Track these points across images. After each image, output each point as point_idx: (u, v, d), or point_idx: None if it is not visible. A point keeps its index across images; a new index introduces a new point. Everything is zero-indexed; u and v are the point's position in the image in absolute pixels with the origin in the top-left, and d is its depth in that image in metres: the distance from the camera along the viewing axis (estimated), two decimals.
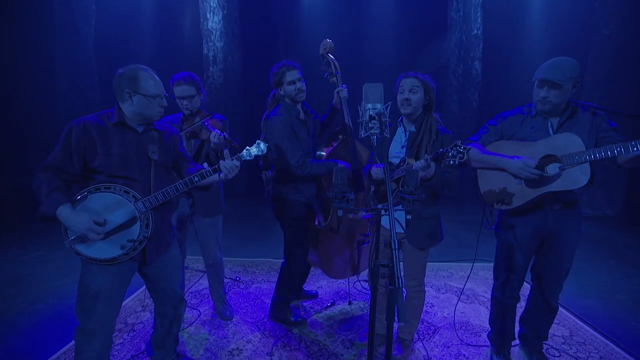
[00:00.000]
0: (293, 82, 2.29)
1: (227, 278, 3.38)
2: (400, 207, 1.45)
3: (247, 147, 1.87)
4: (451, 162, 1.64)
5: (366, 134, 1.33)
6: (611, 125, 1.83)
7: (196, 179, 1.76)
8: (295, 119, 2.35)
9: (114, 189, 1.62)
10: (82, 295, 1.70)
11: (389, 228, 2.13)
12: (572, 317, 2.78)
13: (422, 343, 2.46)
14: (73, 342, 1.77)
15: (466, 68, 7.02)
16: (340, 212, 1.37)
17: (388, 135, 1.34)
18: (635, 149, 1.61)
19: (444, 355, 2.34)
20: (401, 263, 2.27)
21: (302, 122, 2.39)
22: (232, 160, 1.77)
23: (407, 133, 2.12)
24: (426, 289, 3.21)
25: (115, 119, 1.69)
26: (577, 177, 1.76)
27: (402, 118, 2.16)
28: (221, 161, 1.77)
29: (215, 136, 2.21)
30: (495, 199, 1.99)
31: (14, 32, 4.78)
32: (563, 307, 2.90)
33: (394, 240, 1.02)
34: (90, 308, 1.68)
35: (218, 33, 7.06)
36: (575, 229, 1.96)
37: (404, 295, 2.30)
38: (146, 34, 6.72)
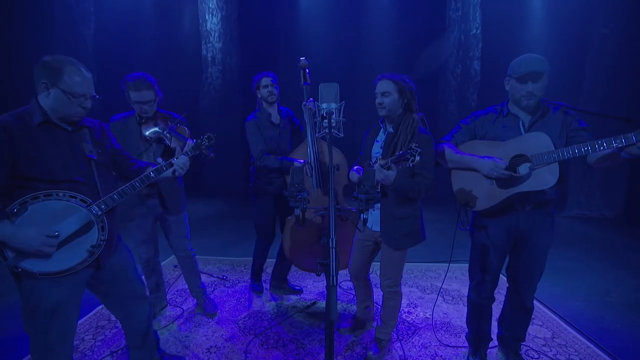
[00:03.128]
0: (266, 86, 2.72)
1: (214, 276, 3.42)
2: (369, 207, 1.44)
3: (196, 140, 1.91)
4: (409, 165, 1.64)
5: (321, 134, 1.34)
6: (581, 125, 1.81)
7: (153, 174, 1.70)
8: (265, 120, 2.75)
9: (57, 195, 1.44)
10: (32, 313, 1.51)
11: (370, 227, 2.18)
12: (556, 318, 2.74)
13: (400, 343, 2.45)
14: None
15: (465, 68, 6.98)
16: (297, 211, 1.38)
17: (342, 135, 1.35)
18: (602, 147, 1.59)
19: (420, 356, 2.33)
20: (378, 263, 2.31)
21: (272, 123, 2.77)
22: (182, 155, 1.83)
23: (386, 134, 2.12)
24: (412, 289, 3.24)
25: (40, 119, 1.46)
26: (546, 177, 1.75)
27: (382, 119, 2.15)
28: (173, 159, 1.79)
29: (187, 145, 2.03)
30: (468, 199, 1.98)
31: (13, 34, 4.87)
32: (548, 308, 2.87)
33: (332, 239, 1.03)
34: (48, 324, 1.52)
35: (217, 34, 7.14)
36: (547, 229, 1.94)
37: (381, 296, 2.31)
38: (145, 35, 6.79)
